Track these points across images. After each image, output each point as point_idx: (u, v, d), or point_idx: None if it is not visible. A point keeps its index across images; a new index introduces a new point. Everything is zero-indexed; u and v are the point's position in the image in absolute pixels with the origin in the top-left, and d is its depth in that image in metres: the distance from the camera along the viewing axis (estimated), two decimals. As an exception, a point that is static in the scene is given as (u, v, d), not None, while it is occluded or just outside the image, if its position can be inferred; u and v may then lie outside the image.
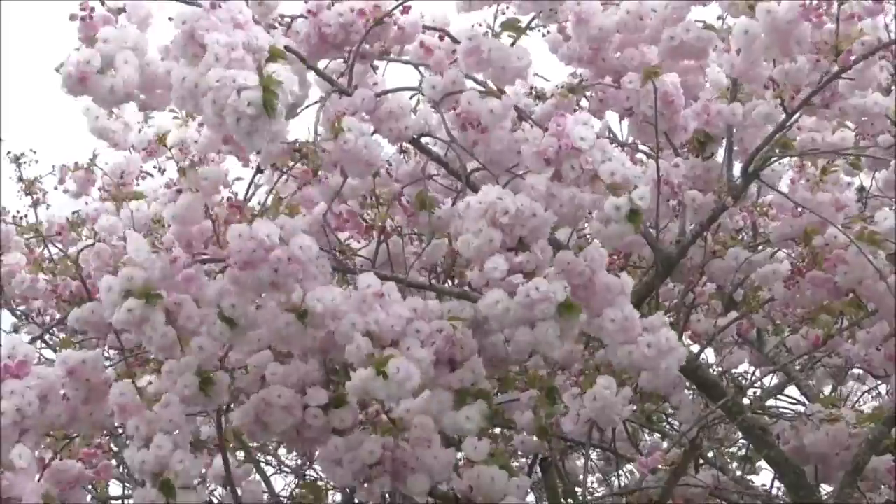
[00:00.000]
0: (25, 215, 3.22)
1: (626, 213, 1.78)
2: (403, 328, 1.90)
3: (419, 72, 2.16)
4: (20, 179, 3.26)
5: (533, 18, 2.05)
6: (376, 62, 2.20)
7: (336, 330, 1.90)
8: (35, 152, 3.25)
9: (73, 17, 1.79)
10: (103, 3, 1.79)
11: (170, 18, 1.72)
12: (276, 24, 2.06)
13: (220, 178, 2.02)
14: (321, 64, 2.19)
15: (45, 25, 1.84)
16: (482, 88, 2.02)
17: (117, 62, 1.76)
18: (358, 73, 2.19)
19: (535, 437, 2.47)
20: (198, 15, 1.69)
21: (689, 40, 2.18)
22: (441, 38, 2.13)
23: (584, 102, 2.40)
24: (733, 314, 2.86)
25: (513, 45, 2.02)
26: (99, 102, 1.82)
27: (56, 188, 3.26)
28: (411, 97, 2.13)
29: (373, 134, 2.05)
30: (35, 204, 3.28)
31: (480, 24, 2.04)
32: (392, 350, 1.87)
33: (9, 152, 3.27)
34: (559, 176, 1.84)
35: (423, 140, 2.19)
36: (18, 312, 3.30)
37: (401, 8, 2.07)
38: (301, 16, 2.07)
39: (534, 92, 2.40)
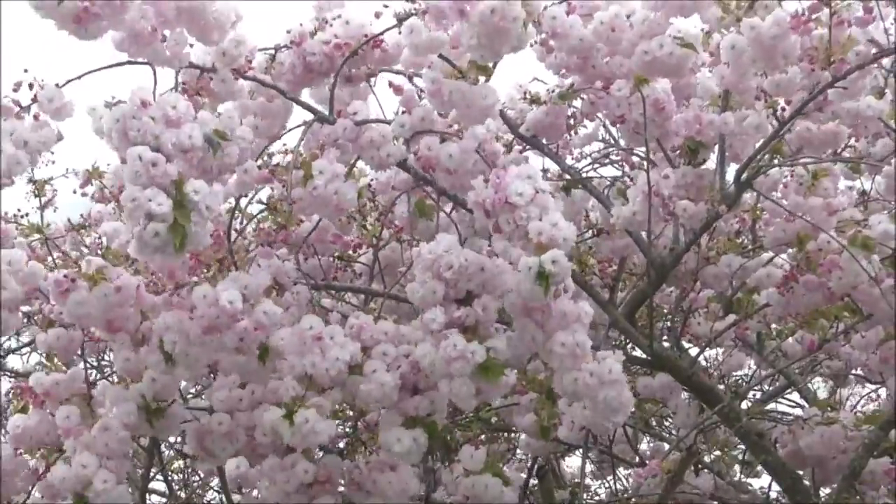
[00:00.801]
0: (26, 214, 3.23)
1: (535, 275, 1.73)
2: (340, 372, 1.90)
3: (413, 84, 2.16)
4: (31, 181, 3.26)
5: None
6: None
7: (281, 367, 1.95)
8: (53, 153, 3.26)
9: None
10: (31, 88, 1.81)
11: (107, 109, 1.74)
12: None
13: None
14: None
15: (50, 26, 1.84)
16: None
17: None
18: (350, 92, 2.20)
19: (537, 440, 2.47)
20: (129, 113, 1.70)
21: (661, 56, 2.13)
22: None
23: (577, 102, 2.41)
24: (732, 317, 2.86)
25: (486, 79, 1.98)
26: None
27: (75, 192, 3.28)
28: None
29: (356, 161, 2.06)
30: (43, 206, 3.29)
31: None
32: (319, 398, 1.90)
33: None
34: (498, 227, 1.81)
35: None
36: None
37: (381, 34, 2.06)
38: (285, 46, 2.08)
39: (528, 96, 2.40)
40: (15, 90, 1.81)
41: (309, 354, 1.89)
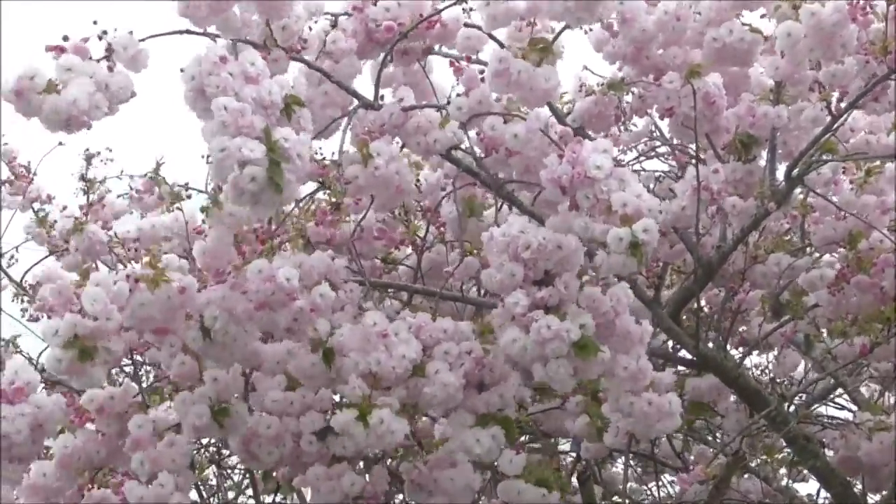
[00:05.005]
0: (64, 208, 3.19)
1: (627, 245, 1.70)
2: (407, 369, 1.86)
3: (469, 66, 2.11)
4: (82, 178, 3.22)
5: (564, 28, 2.02)
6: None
7: (341, 366, 1.89)
8: (111, 150, 3.22)
9: (48, 49, 1.76)
10: (100, 39, 1.78)
11: (181, 70, 1.69)
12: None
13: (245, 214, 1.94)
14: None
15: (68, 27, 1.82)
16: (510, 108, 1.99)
17: (70, 86, 1.72)
18: (410, 72, 2.19)
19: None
20: (207, 70, 1.66)
21: (732, 42, 2.12)
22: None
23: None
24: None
25: (543, 62, 1.95)
26: (44, 122, 1.76)
27: (119, 196, 3.24)
28: (439, 109, 2.09)
29: (402, 149, 2.02)
30: (90, 205, 3.24)
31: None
32: (385, 398, 1.85)
33: (86, 149, 3.23)
34: (575, 204, 1.77)
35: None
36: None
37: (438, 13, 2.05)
38: (346, 13, 2.06)
39: (584, 89, 2.36)
40: (84, 41, 1.76)
41: (374, 352, 1.84)
